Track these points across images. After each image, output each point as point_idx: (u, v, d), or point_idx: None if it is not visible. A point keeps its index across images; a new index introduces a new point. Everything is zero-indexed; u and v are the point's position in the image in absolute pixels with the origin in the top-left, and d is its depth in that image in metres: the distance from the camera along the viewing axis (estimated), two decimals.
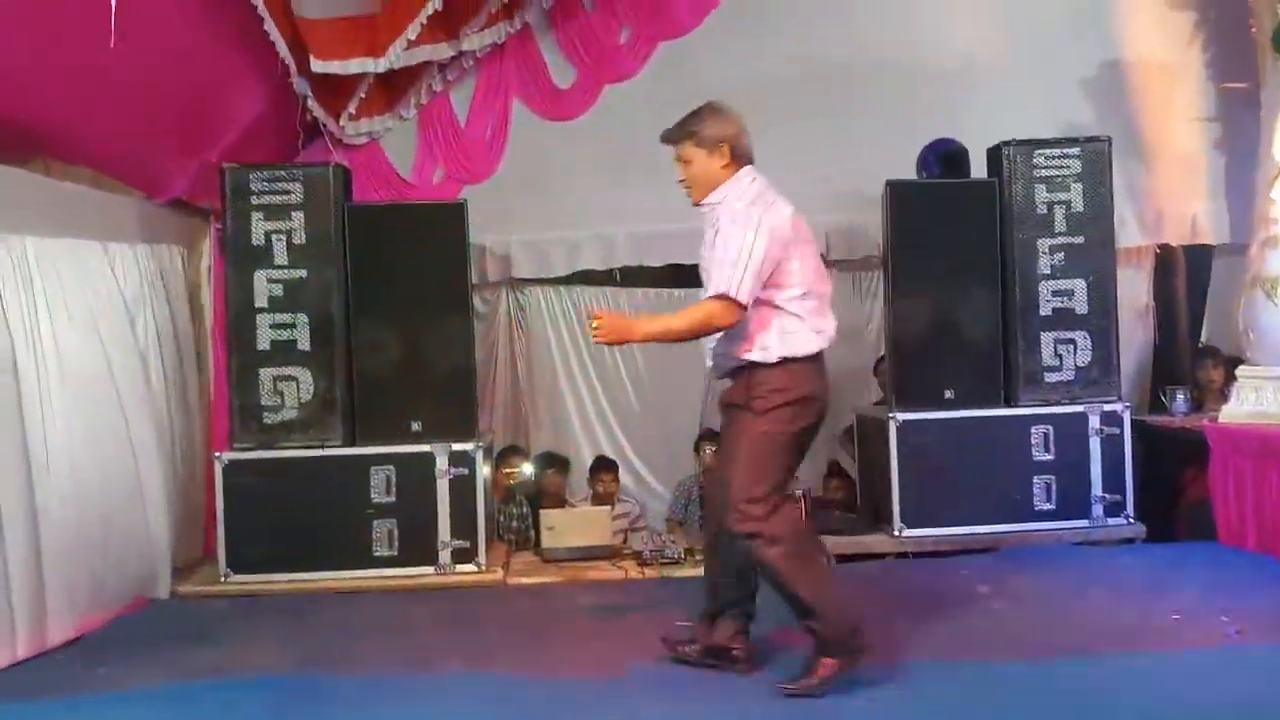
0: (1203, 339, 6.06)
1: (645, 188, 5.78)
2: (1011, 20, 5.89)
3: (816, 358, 3.22)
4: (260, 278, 4.75)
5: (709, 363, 3.38)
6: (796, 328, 3.18)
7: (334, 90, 5.48)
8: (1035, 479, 4.87)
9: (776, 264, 3.14)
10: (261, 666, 3.56)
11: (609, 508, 5.31)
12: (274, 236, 4.76)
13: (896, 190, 5.06)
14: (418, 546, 4.68)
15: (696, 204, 3.33)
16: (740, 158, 3.27)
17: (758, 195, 3.21)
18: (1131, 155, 5.79)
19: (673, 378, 6.02)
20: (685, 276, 6.11)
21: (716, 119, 3.30)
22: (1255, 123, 5.29)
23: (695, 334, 3.22)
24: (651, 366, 6.03)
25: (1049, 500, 4.86)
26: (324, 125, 5.55)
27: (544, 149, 5.83)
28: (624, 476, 5.91)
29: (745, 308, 3.09)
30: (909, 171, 5.43)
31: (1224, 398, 5.12)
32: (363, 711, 3.15)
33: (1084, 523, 4.88)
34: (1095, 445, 4.90)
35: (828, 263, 5.87)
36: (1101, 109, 5.86)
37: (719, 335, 3.23)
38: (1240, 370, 5.07)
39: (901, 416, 4.92)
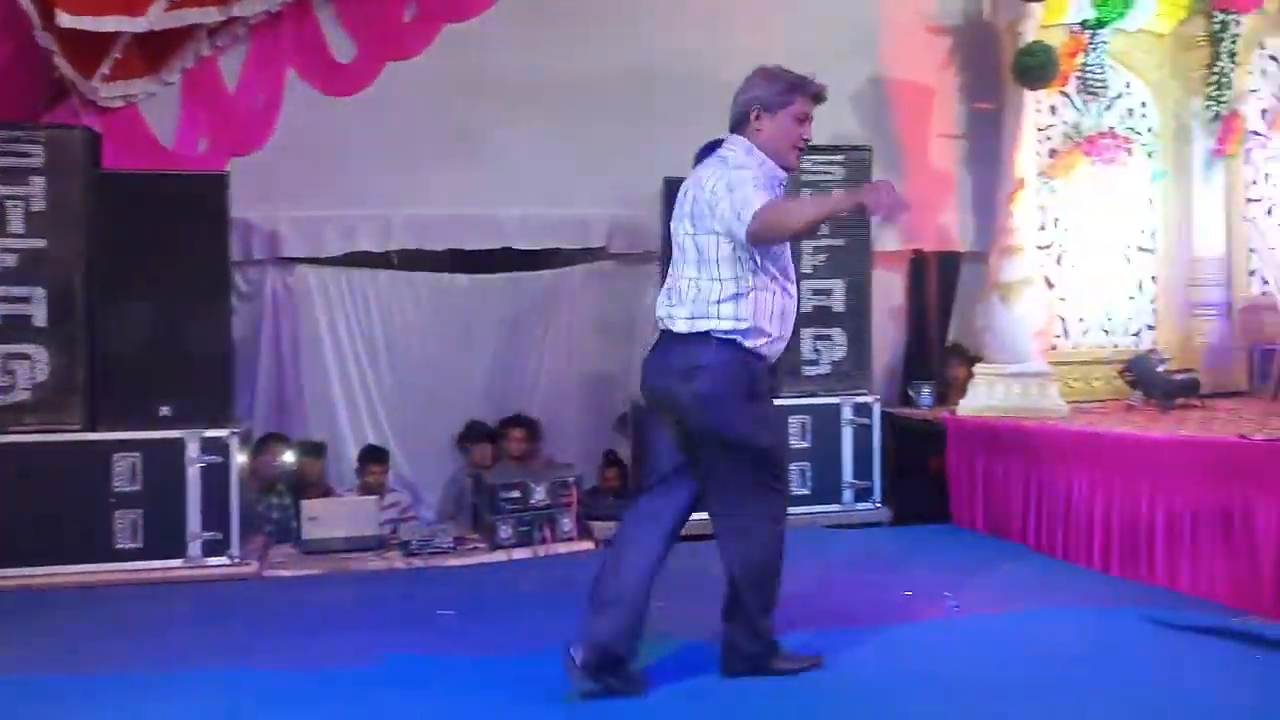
0: (950, 338, 6.52)
1: (427, 170, 5.71)
2: (786, 38, 6.06)
3: None
4: None
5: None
6: None
7: (87, 47, 5.10)
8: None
9: None
10: None
11: (375, 497, 5.19)
12: (9, 202, 4.45)
13: (673, 187, 5.14)
14: (165, 538, 4.45)
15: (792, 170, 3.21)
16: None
17: None
18: (891, 166, 6.14)
19: (448, 366, 5.94)
20: (467, 262, 6.10)
21: None
22: (998, 141, 5.77)
23: None
24: (429, 353, 5.93)
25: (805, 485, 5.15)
26: (73, 85, 5.15)
27: (320, 124, 5.60)
28: (398, 465, 5.78)
29: None
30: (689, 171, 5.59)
31: (967, 393, 5.54)
32: (97, 713, 2.97)
33: (836, 507, 5.19)
34: (847, 435, 5.22)
35: (609, 256, 6.09)
36: (865, 123, 6.17)
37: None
38: (978, 367, 5.52)
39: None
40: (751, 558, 3.08)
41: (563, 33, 5.89)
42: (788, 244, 3.16)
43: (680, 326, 3.02)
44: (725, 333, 2.99)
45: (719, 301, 3.00)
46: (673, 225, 3.17)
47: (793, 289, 3.16)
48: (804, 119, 3.12)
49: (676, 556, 4.66)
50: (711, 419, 3.00)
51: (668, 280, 3.16)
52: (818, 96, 3.14)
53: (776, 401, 5.02)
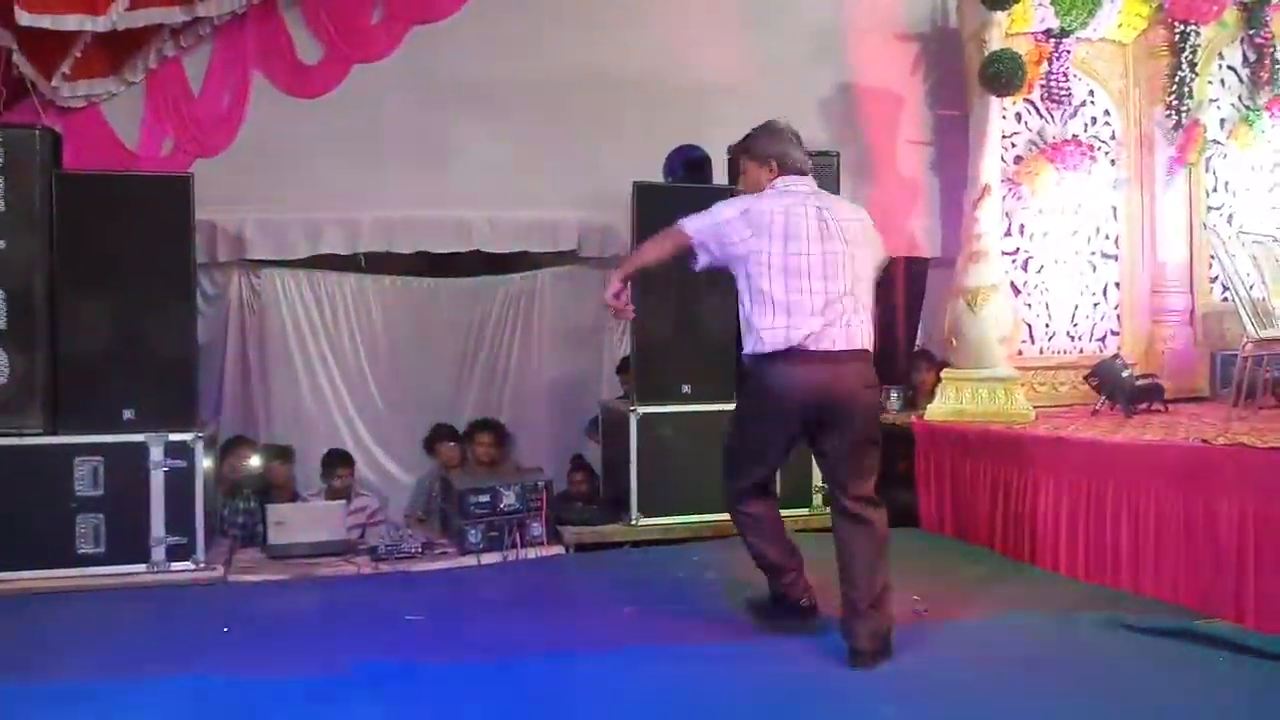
0: (917, 343, 6.58)
1: (395, 172, 5.69)
2: (756, 44, 6.17)
3: (773, 357, 3.35)
4: None
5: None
6: (751, 327, 3.41)
7: (47, 46, 5.03)
8: None
9: (734, 237, 3.38)
10: None
11: (343, 502, 5.14)
12: None
13: (642, 191, 5.20)
14: (128, 543, 4.37)
15: None
16: (786, 170, 3.50)
17: (766, 192, 3.49)
18: (859, 172, 6.21)
19: (417, 370, 5.91)
20: (437, 264, 6.07)
21: (767, 136, 3.56)
22: (965, 148, 5.82)
23: (660, 253, 3.52)
24: (397, 357, 5.89)
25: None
26: (32, 84, 5.07)
27: (286, 126, 5.55)
28: (366, 469, 5.74)
29: (688, 237, 3.45)
30: (659, 175, 5.61)
31: (934, 397, 5.58)
32: None
33: (804, 511, 5.19)
34: None
35: (578, 259, 6.08)
36: (834, 128, 6.24)
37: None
38: (945, 372, 5.56)
39: (642, 409, 5.07)
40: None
41: (531, 36, 5.89)
42: None
43: (867, 342, 3.41)
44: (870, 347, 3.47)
45: (868, 318, 3.45)
46: (813, 241, 3.37)
47: None
48: None
49: (648, 566, 4.71)
50: (877, 424, 3.53)
51: (814, 291, 3.33)
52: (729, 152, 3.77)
53: None
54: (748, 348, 3.44)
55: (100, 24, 4.95)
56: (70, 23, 4.92)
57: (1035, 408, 5.43)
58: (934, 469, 5.27)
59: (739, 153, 3.68)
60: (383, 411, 5.87)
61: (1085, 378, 5.67)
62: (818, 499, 5.25)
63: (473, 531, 4.79)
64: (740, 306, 3.45)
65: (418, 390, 5.91)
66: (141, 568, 4.37)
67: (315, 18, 5.67)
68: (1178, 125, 6.15)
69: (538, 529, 4.91)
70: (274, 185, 5.50)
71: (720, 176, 5.52)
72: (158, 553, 4.39)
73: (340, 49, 5.68)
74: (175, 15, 5.27)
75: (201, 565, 4.43)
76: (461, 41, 5.81)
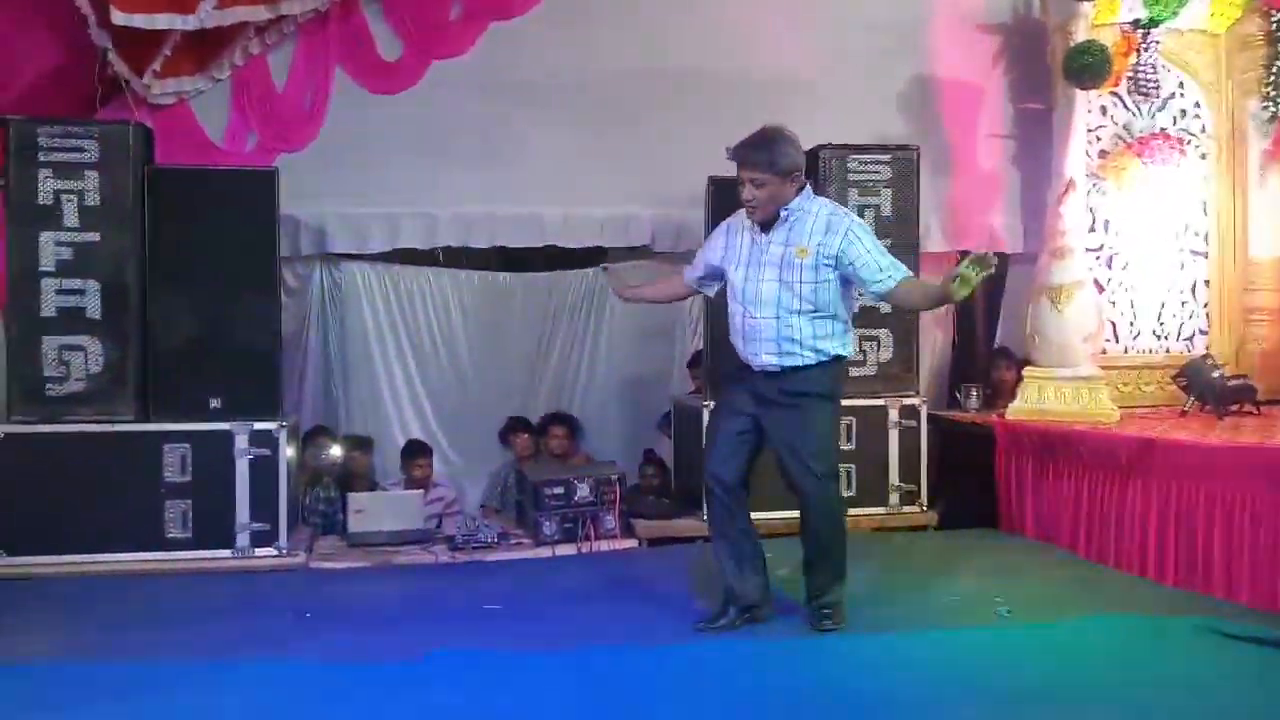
0: (997, 341, 6.42)
1: (472, 168, 5.72)
2: (832, 36, 6.07)
3: None
4: (47, 240, 4.47)
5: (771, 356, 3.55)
6: (843, 330, 3.62)
7: (139, 45, 5.16)
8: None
9: None
10: (22, 654, 3.34)
11: (421, 491, 5.20)
12: (64, 197, 4.50)
13: (719, 186, 5.17)
14: (214, 529, 4.50)
15: (757, 221, 3.56)
16: (803, 179, 3.56)
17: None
18: (938, 167, 6.08)
19: (492, 363, 5.96)
20: (510, 259, 6.11)
21: (793, 148, 3.52)
22: (1048, 142, 5.69)
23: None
24: (473, 350, 5.95)
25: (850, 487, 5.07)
26: (126, 81, 5.22)
27: (367, 122, 5.63)
28: (439, 461, 5.80)
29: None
30: (732, 170, 5.56)
31: (1015, 396, 5.46)
32: (125, 700, 2.97)
33: (882, 510, 5.13)
34: (894, 437, 5.16)
35: (651, 254, 6.07)
36: (912, 122, 6.11)
37: (791, 324, 3.50)
38: (1027, 370, 5.44)
39: (714, 404, 5.03)
40: None
41: (608, 31, 5.88)
42: (736, 275, 3.65)
43: None
44: None
45: None
46: None
47: (754, 310, 3.57)
48: (741, 183, 3.52)
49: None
50: None
51: None
52: (740, 161, 3.51)
53: None
54: (838, 350, 3.56)
55: (190, 23, 5.07)
56: (161, 21, 5.04)
57: (1120, 408, 5.29)
58: (1015, 469, 5.16)
59: (762, 169, 3.43)
60: (457, 403, 5.93)
61: (1173, 378, 5.49)
62: (894, 497, 5.18)
63: (547, 523, 4.82)
64: (837, 311, 3.55)
65: (492, 383, 5.97)
66: (227, 553, 4.49)
67: (396, 15, 5.73)
68: (1273, 118, 5.93)
69: (611, 522, 4.92)
70: (355, 180, 5.57)
71: None
72: (242, 538, 4.50)
73: (420, 45, 5.74)
74: (260, 13, 5.37)
75: (284, 552, 4.54)
76: (538, 38, 5.83)
